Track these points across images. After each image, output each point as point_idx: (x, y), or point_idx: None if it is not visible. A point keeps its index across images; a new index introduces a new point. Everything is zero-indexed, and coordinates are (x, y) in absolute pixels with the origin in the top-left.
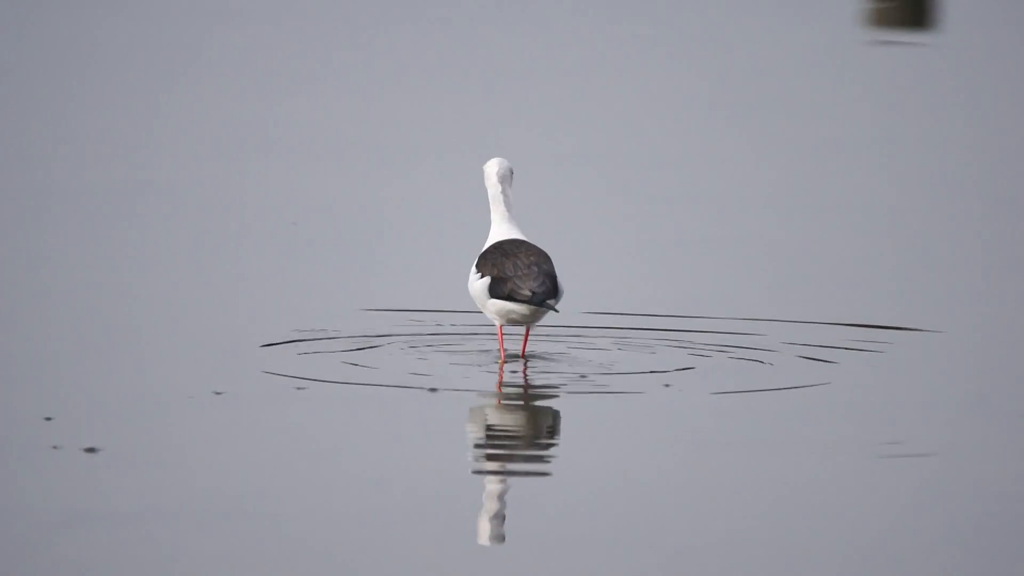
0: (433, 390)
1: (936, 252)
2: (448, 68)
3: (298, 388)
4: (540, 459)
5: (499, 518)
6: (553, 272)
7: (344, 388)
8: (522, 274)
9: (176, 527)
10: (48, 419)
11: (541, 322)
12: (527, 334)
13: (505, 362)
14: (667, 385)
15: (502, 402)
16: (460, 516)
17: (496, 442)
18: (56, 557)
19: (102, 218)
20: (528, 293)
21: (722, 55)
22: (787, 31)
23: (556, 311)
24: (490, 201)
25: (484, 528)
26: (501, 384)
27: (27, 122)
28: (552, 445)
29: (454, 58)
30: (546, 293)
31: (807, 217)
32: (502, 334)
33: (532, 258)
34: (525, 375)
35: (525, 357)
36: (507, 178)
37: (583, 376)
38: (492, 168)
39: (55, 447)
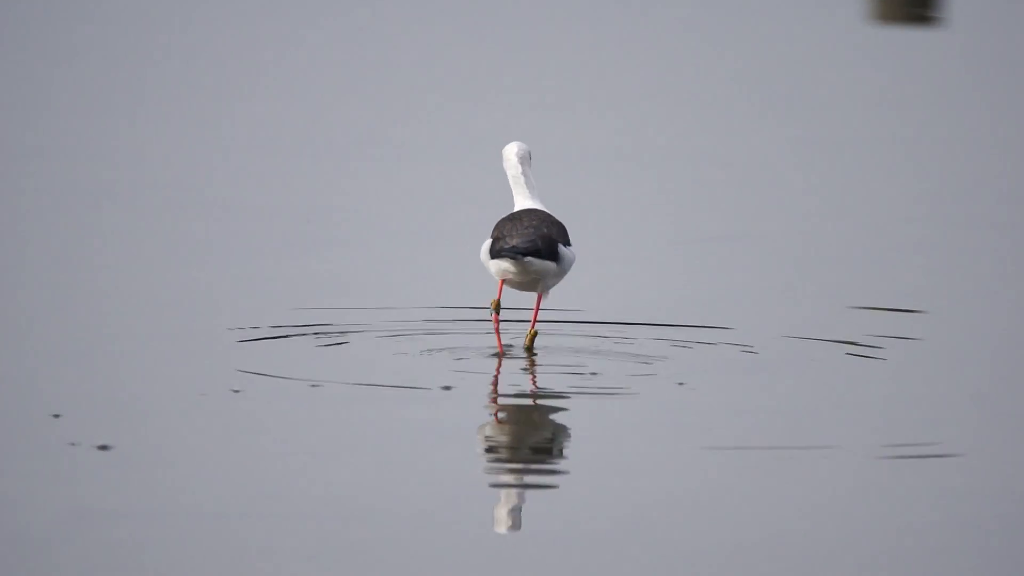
0: (447, 388)
1: (957, 244)
2: (449, 71)
3: (312, 386)
4: (550, 466)
5: (516, 510)
6: (552, 236)
7: (358, 385)
8: (516, 233)
9: (188, 525)
10: (56, 416)
11: (551, 292)
12: (537, 304)
13: (499, 321)
14: (681, 384)
15: (507, 404)
16: (472, 520)
17: (507, 445)
18: (69, 554)
19: (100, 216)
20: (509, 247)
21: (729, 50)
22: (793, 24)
23: (518, 258)
24: (511, 184)
25: (501, 516)
26: (502, 356)
27: (23, 123)
28: (560, 449)
29: (455, 61)
30: (530, 250)
31: (826, 213)
32: (501, 288)
33: (535, 222)
34: (533, 376)
35: (532, 338)
36: (526, 160)
37: (594, 374)
38: (511, 150)
39: (73, 444)
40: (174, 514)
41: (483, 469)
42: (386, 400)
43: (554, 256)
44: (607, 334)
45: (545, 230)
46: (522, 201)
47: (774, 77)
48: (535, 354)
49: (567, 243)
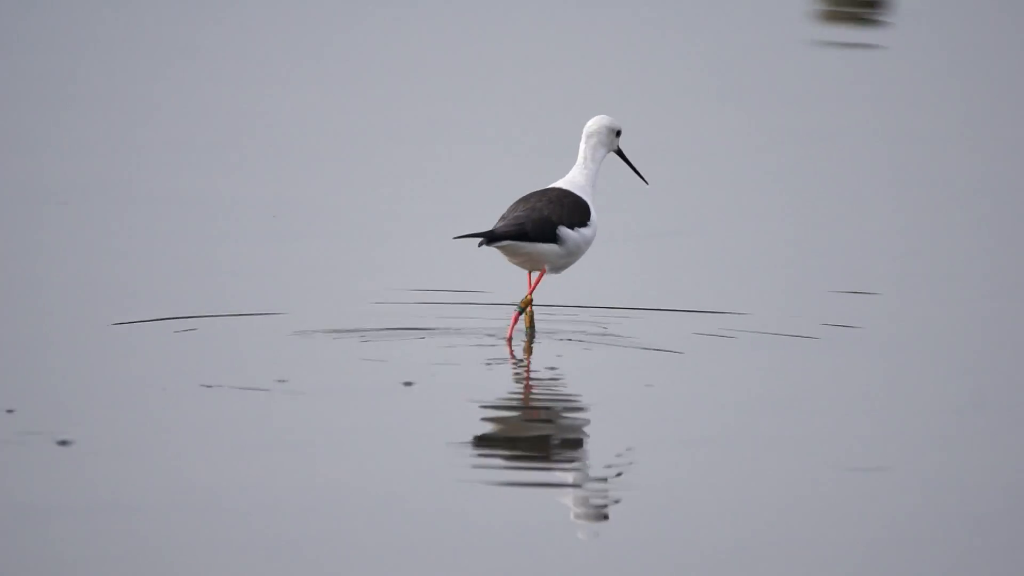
0: (408, 384)
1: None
2: (435, 67)
3: (279, 380)
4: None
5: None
6: (550, 217)
7: (327, 381)
8: (509, 216)
9: (148, 521)
10: (10, 411)
11: (558, 272)
12: (538, 277)
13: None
14: (649, 385)
15: (476, 397)
16: (431, 513)
17: (479, 441)
18: (31, 549)
19: (34, 210)
20: (485, 231)
21: (692, 46)
22: (741, 24)
23: (492, 244)
24: None
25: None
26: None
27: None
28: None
29: (440, 57)
30: (505, 234)
31: (776, 209)
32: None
33: (540, 203)
34: (529, 364)
35: (527, 303)
36: (593, 135)
37: (559, 357)
38: (588, 123)
39: (33, 433)
40: (134, 509)
41: (469, 465)
42: (353, 396)
43: (551, 238)
44: (589, 319)
45: (546, 212)
46: (573, 171)
47: (730, 71)
48: (530, 331)
49: (579, 224)
